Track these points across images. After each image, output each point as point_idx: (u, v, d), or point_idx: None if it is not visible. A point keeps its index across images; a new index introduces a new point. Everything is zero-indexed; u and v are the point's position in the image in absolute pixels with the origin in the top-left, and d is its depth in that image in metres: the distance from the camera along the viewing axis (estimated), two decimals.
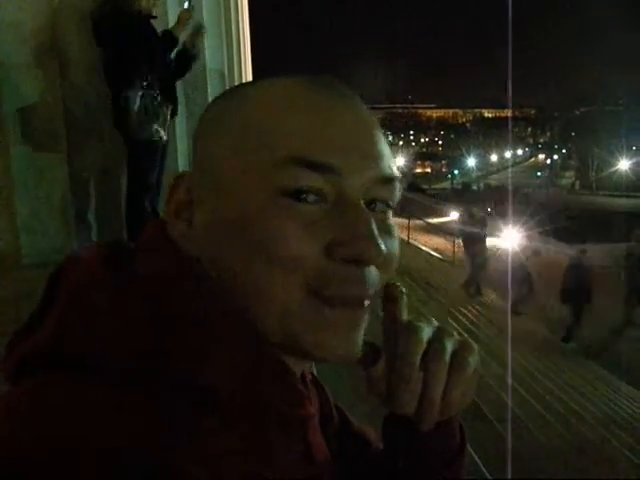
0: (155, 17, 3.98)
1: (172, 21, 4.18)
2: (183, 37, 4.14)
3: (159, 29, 4.01)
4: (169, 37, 3.98)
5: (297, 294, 0.51)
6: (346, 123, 0.53)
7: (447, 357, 0.57)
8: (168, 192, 0.58)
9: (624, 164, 61.42)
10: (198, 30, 4.24)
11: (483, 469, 4.12)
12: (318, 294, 0.51)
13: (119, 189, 4.22)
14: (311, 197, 0.51)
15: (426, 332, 0.58)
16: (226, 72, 5.45)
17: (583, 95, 76.82)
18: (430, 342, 0.57)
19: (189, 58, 4.24)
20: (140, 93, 3.78)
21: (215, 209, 0.54)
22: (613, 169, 61.55)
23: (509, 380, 5.70)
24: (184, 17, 4.04)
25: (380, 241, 0.51)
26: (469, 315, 9.23)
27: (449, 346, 0.58)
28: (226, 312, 0.52)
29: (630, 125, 65.06)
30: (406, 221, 22.32)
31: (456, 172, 67.72)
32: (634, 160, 62.15)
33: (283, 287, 0.51)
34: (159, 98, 3.92)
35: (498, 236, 20.04)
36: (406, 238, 19.24)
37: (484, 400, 5.28)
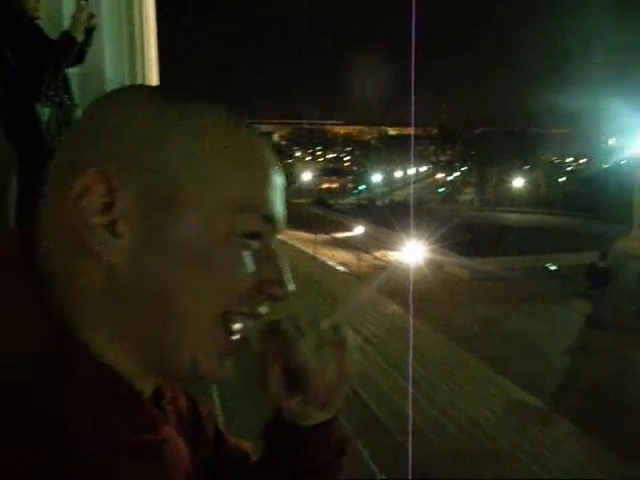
0: (39, 17, 3.69)
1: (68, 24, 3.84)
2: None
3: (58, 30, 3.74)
4: (65, 39, 3.66)
5: (216, 323, 0.58)
6: (278, 177, 0.62)
7: (318, 343, 0.67)
8: (76, 189, 0.54)
9: (519, 182, 64.82)
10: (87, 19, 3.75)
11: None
12: (228, 325, 0.59)
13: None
14: (257, 240, 0.60)
15: (298, 322, 0.69)
16: (128, 82, 5.22)
17: (482, 116, 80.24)
18: (303, 332, 0.67)
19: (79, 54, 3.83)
20: (46, 101, 3.56)
21: (159, 227, 0.56)
22: (509, 186, 64.85)
23: (409, 389, 5.86)
24: (79, 15, 3.66)
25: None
26: (370, 327, 9.40)
27: (318, 333, 0.68)
28: (61, 337, 0.54)
29: (523, 145, 68.57)
30: (313, 236, 22.54)
31: (362, 188, 68.84)
32: (527, 178, 65.91)
33: (210, 315, 0.57)
34: (68, 102, 3.72)
35: (402, 250, 20.57)
36: (312, 252, 19.46)
37: (384, 411, 5.41)
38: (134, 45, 5.29)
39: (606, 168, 65.66)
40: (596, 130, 74.94)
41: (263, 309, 0.63)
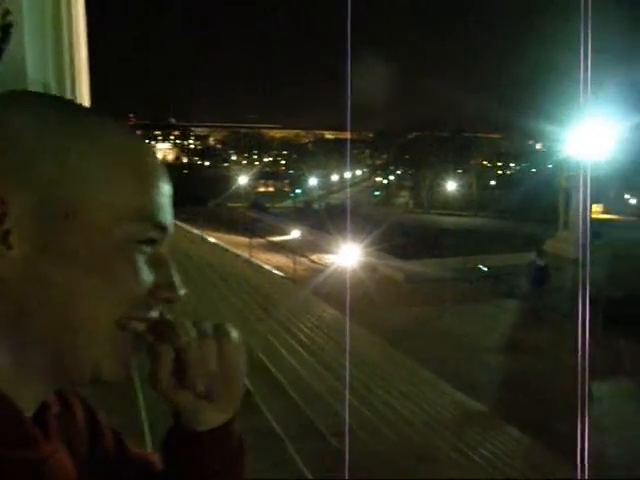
0: None
1: None
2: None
3: None
4: None
5: (114, 329, 0.61)
6: (166, 185, 0.66)
7: (201, 339, 0.68)
8: None
9: (452, 185, 66.52)
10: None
11: None
12: (126, 330, 0.62)
13: None
14: (150, 246, 0.63)
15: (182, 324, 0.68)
16: (53, 84, 4.99)
17: (416, 121, 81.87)
18: (185, 324, 0.68)
19: None
20: None
21: (54, 238, 0.57)
22: (442, 189, 66.48)
23: (347, 393, 5.84)
24: None
25: None
26: (305, 330, 9.38)
27: (200, 326, 0.69)
28: None
29: (456, 150, 70.31)
30: (248, 240, 22.39)
31: (298, 191, 69.05)
32: (460, 182, 67.75)
33: (108, 321, 0.60)
34: None
35: (338, 253, 20.67)
36: (248, 256, 19.32)
37: (319, 414, 5.37)
38: (60, 44, 5.09)
39: (534, 172, 68.06)
40: (525, 135, 77.57)
41: (156, 313, 0.65)
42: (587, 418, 5.77)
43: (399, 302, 16.26)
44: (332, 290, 14.49)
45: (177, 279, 0.65)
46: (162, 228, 0.64)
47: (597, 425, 8.27)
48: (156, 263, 0.64)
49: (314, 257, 23.49)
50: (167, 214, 0.65)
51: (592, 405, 9.15)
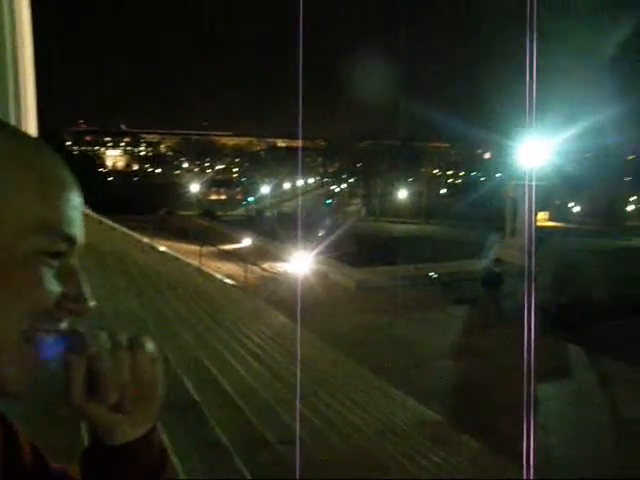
0: None
1: None
2: None
3: None
4: None
5: (20, 342, 0.60)
6: (75, 196, 0.66)
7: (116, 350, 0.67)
8: None
9: (403, 193, 67.48)
10: None
11: None
12: (33, 342, 0.61)
13: None
14: (58, 258, 0.63)
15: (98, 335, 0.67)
16: None
17: (367, 130, 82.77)
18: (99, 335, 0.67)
19: None
20: None
21: None
22: (394, 197, 67.40)
23: (297, 403, 5.78)
24: None
25: None
26: (255, 338, 9.30)
27: (114, 336, 0.68)
28: None
29: (407, 158, 71.37)
30: (199, 248, 22.13)
31: (251, 199, 68.84)
32: (411, 190, 68.85)
33: (14, 334, 0.60)
34: None
35: (289, 261, 20.65)
36: (198, 265, 19.09)
37: (268, 425, 5.29)
38: (3, 46, 4.97)
39: (483, 180, 69.54)
40: (474, 145, 79.28)
41: (65, 324, 0.65)
42: (532, 421, 5.87)
43: (350, 310, 16.31)
44: (283, 298, 14.44)
45: (87, 291, 0.66)
46: (71, 240, 0.64)
47: (542, 426, 8.44)
48: (65, 275, 0.64)
49: (266, 265, 23.39)
50: (76, 226, 0.65)
51: (538, 407, 9.36)
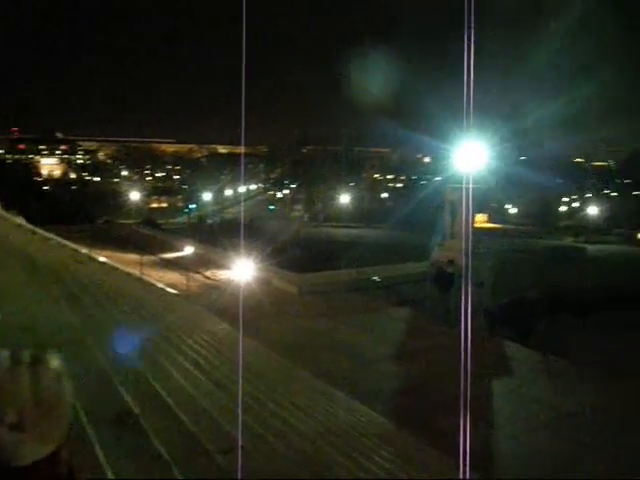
0: None
1: None
2: None
3: None
4: None
5: None
6: None
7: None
8: None
9: (345, 198, 67.97)
10: None
11: None
12: None
13: None
14: None
15: None
16: None
17: (309, 135, 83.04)
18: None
19: None
20: None
21: None
22: (336, 202, 67.83)
23: (239, 411, 5.76)
24: None
25: None
26: (197, 347, 9.22)
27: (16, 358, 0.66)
28: None
29: (349, 163, 71.99)
30: (140, 257, 21.76)
31: (192, 206, 68.00)
32: (353, 195, 69.50)
33: None
34: None
35: (232, 268, 20.48)
36: (139, 274, 18.75)
37: (209, 434, 5.27)
38: None
39: (423, 184, 70.76)
40: (414, 149, 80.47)
41: None
42: (468, 421, 6.02)
43: (293, 315, 16.33)
44: (226, 305, 14.32)
45: None
46: None
47: (481, 424, 8.65)
48: None
49: (208, 273, 23.17)
50: None
51: (484, 404, 9.61)
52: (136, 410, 4.90)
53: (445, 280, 16.69)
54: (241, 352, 8.53)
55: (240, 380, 6.72)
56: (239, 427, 5.42)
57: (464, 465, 5.22)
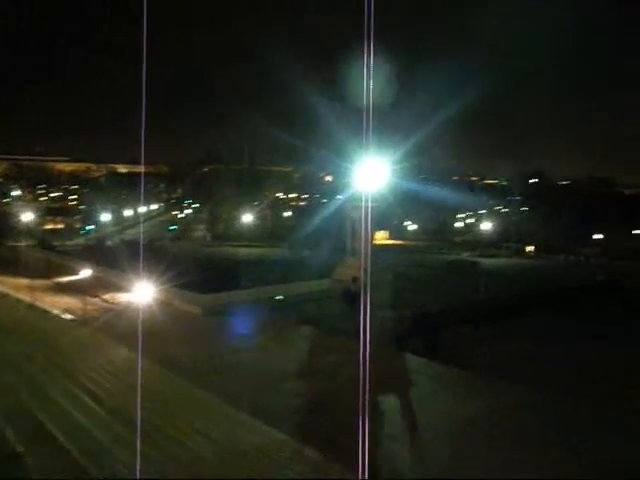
0: None
1: None
2: None
3: None
4: None
5: None
6: None
7: None
8: None
9: (248, 217, 67.79)
10: None
11: None
12: None
13: None
14: None
15: None
16: None
17: (210, 154, 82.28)
18: None
19: None
20: None
21: None
22: (238, 221, 67.52)
23: (138, 442, 5.60)
24: None
25: None
26: (93, 375, 8.90)
27: None
28: None
29: (251, 182, 71.93)
30: (33, 282, 20.77)
31: (90, 228, 65.59)
32: (255, 214, 69.42)
33: None
34: None
35: (132, 291, 19.92)
36: (31, 301, 17.88)
37: (98, 465, 5.10)
38: None
39: (325, 203, 71.69)
40: (316, 168, 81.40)
41: None
42: (367, 427, 6.16)
43: (197, 337, 16.07)
44: (126, 330, 13.91)
45: None
46: None
47: (380, 435, 8.83)
48: None
49: (107, 296, 22.40)
50: None
51: (378, 417, 9.80)
52: (19, 449, 4.66)
53: (350, 297, 17.26)
54: (140, 377, 8.30)
55: (139, 409, 6.55)
56: (137, 457, 5.29)
57: (363, 468, 5.33)
